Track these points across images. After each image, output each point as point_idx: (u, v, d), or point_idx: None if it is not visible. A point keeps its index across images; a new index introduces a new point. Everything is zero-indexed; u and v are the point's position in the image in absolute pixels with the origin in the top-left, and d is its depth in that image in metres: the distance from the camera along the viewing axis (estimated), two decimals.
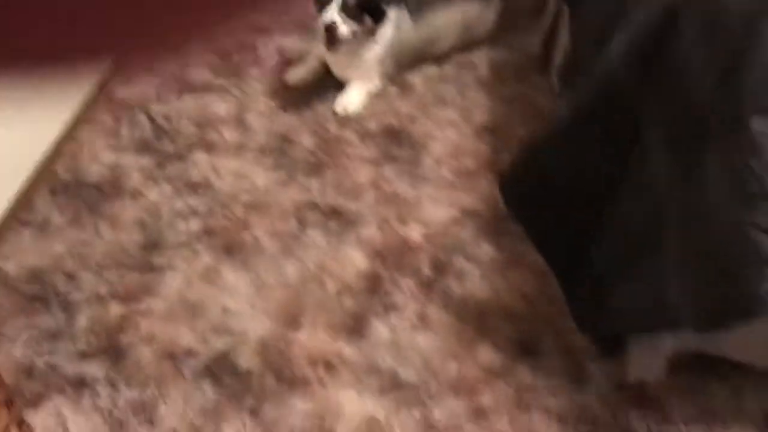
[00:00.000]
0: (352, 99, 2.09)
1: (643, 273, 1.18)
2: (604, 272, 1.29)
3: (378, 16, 2.04)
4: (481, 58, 2.28)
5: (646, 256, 1.20)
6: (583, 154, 1.27)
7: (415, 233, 1.69)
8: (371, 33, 2.05)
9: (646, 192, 1.19)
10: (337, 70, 2.16)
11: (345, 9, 1.96)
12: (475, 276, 1.58)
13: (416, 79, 2.21)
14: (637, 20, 1.16)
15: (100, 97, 2.11)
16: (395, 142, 1.98)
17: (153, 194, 1.80)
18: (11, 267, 1.60)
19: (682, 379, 1.36)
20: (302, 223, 1.72)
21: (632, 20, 1.18)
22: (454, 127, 2.02)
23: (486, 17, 2.32)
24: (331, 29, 1.95)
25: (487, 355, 1.41)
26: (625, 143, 1.21)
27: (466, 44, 2.30)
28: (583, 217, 1.33)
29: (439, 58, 2.27)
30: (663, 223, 1.16)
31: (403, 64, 2.21)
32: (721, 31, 1.02)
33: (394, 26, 2.10)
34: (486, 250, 1.64)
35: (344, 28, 1.96)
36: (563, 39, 1.94)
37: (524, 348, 1.43)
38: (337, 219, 1.73)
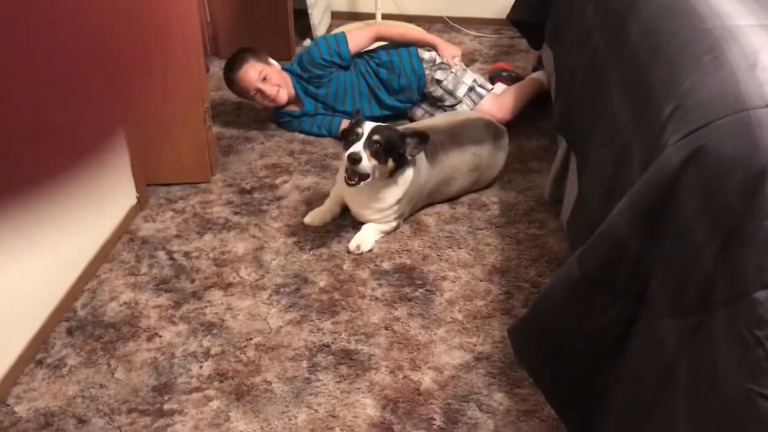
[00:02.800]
0: (367, 238, 2.14)
1: None
2: (615, 430, 1.27)
3: (401, 162, 2.10)
4: (492, 199, 2.35)
5: (656, 419, 1.18)
6: (591, 313, 1.28)
7: (427, 379, 1.68)
8: (391, 175, 2.11)
9: (654, 353, 1.19)
10: (356, 208, 2.22)
11: (370, 146, 2.02)
12: (489, 427, 1.55)
13: (430, 218, 2.27)
14: (639, 187, 1.20)
15: (124, 234, 2.19)
16: (408, 281, 2.01)
17: (168, 334, 1.82)
18: (23, 410, 1.61)
19: None
20: (314, 366, 1.72)
21: (636, 184, 1.23)
22: (465, 268, 2.05)
23: (497, 159, 2.40)
24: (354, 161, 1.99)
25: None
26: (633, 304, 1.23)
27: (478, 185, 2.38)
28: (592, 374, 1.32)
29: (451, 198, 2.34)
30: (671, 384, 1.15)
31: (418, 205, 2.27)
32: (720, 204, 1.06)
33: (415, 169, 2.17)
34: (499, 399, 1.62)
35: (367, 164, 2.00)
36: (572, 183, 1.99)
37: None
38: (349, 363, 1.73)
